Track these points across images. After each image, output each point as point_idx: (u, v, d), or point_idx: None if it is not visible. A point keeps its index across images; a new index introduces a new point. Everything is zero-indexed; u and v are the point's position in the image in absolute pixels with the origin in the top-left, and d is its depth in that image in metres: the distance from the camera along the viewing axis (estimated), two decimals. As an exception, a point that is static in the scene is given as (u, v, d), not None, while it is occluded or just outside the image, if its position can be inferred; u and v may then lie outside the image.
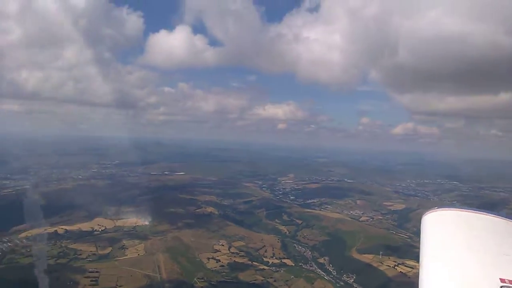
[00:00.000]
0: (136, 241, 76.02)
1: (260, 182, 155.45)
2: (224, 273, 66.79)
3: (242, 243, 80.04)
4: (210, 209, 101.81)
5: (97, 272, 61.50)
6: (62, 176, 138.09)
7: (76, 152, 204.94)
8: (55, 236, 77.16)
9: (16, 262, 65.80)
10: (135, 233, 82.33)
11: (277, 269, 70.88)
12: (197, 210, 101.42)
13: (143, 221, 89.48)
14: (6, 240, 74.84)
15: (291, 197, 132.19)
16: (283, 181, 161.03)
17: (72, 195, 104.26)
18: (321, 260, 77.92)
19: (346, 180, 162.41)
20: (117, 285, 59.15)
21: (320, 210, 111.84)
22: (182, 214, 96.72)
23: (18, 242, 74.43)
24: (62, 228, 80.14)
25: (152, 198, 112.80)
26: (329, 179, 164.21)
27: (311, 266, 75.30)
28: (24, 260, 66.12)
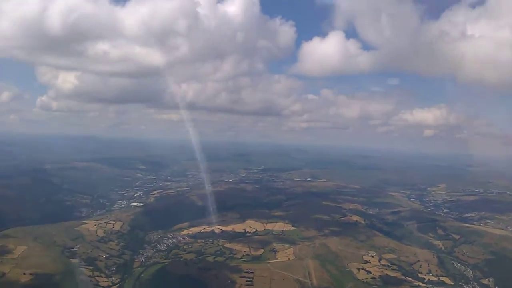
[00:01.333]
0: (286, 245, 77.72)
1: (407, 192, 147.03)
2: (376, 286, 64.21)
3: (393, 255, 76.07)
4: (355, 218, 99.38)
5: (251, 272, 64.31)
6: (215, 180, 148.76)
7: (225, 158, 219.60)
8: (212, 235, 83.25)
9: (180, 257, 72.59)
10: (284, 237, 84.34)
11: (435, 288, 65.91)
12: (342, 218, 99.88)
13: (291, 226, 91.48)
14: (170, 237, 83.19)
15: (445, 210, 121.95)
16: (433, 192, 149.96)
17: (225, 197, 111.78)
18: (484, 281, 69.95)
19: (508, 192, 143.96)
20: (270, 287, 61.15)
21: (480, 225, 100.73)
22: (328, 221, 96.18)
23: (181, 238, 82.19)
24: (218, 228, 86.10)
25: (297, 203, 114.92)
26: (488, 191, 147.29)
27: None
28: (187, 255, 72.63)
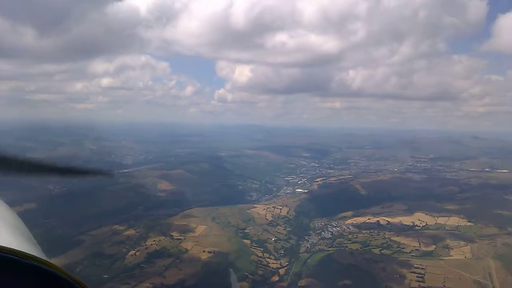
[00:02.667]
0: (461, 243, 70.61)
1: None
2: None
3: None
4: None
5: (422, 268, 60.25)
6: (379, 168, 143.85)
7: (389, 146, 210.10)
8: (377, 226, 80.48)
9: (345, 246, 72.20)
10: (458, 234, 76.79)
11: None
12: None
13: (466, 222, 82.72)
14: (334, 225, 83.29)
15: None
16: None
17: (390, 187, 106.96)
18: None
19: None
20: (444, 286, 56.41)
21: None
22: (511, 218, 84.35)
23: (345, 227, 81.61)
24: (384, 220, 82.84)
25: (473, 196, 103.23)
26: None
27: None
28: (352, 245, 71.86)
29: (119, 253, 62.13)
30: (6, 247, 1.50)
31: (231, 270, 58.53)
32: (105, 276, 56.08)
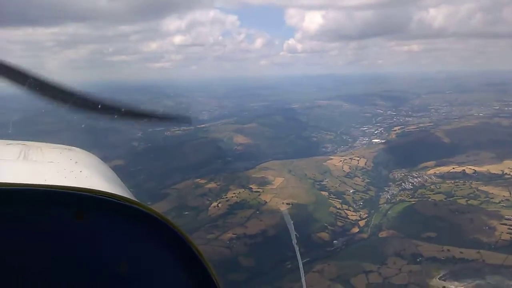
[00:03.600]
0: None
1: None
2: None
3: None
4: None
5: (514, 220, 57.03)
6: (462, 114, 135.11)
7: (473, 89, 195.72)
8: (462, 176, 76.45)
9: (427, 197, 69.76)
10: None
11: None
12: None
13: None
14: (416, 175, 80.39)
15: None
16: None
17: (475, 134, 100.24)
18: None
19: None
20: (539, 238, 53.09)
21: None
22: None
23: (427, 178, 78.55)
24: (470, 168, 78.37)
25: None
26: None
27: None
28: (435, 196, 69.21)
29: (202, 205, 65.26)
30: (108, 192, 1.64)
31: (284, 210, 59.39)
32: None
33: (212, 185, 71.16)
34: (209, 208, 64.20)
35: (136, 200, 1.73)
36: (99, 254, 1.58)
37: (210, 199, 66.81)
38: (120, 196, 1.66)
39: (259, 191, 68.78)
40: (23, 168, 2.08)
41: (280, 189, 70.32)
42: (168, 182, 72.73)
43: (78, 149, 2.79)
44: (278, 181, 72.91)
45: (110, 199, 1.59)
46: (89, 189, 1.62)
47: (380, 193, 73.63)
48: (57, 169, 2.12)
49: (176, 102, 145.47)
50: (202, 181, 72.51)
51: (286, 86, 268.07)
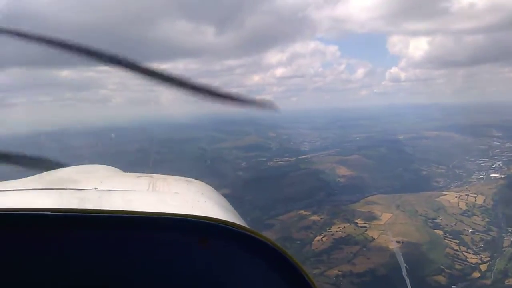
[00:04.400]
0: None
1: None
2: None
3: None
4: None
5: None
6: None
7: None
8: None
9: None
10: None
11: None
12: None
13: None
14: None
15: None
16: None
17: None
18: None
19: None
20: None
21: None
22: None
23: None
24: None
25: None
26: None
27: None
28: None
29: (307, 238, 64.12)
30: (229, 221, 1.75)
31: (395, 248, 55.38)
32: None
33: (315, 217, 69.86)
34: (313, 242, 62.84)
35: (252, 229, 1.82)
36: (220, 279, 1.70)
37: (313, 232, 65.50)
38: (239, 225, 1.78)
39: (365, 227, 65.89)
40: (153, 198, 2.18)
41: (388, 225, 66.66)
42: (272, 212, 73.02)
43: (197, 181, 2.91)
44: (386, 216, 69.28)
45: (232, 228, 1.71)
46: (213, 217, 1.73)
47: (503, 235, 66.11)
48: (183, 199, 2.21)
49: (278, 133, 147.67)
50: (306, 213, 71.58)
51: (389, 116, 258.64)
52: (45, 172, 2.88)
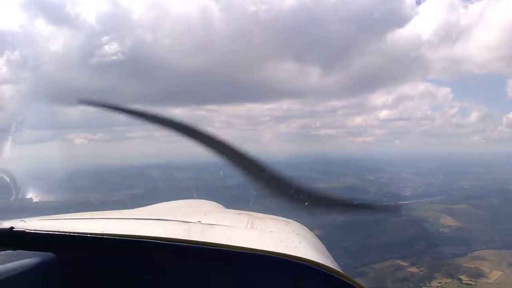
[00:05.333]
0: None
1: None
2: None
3: None
4: None
5: None
6: None
7: None
8: None
9: None
10: None
11: None
12: None
13: None
14: None
15: None
16: None
17: None
18: None
19: None
20: None
21: None
22: None
23: None
24: None
25: None
26: None
27: None
28: None
29: (403, 291, 60.04)
30: (322, 264, 1.79)
31: None
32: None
33: (414, 269, 65.27)
34: (411, 296, 58.61)
35: (346, 274, 1.85)
36: None
37: (411, 285, 61.12)
38: (333, 269, 1.82)
39: (470, 284, 59.98)
40: (251, 235, 2.29)
41: (497, 284, 59.88)
42: (365, 259, 69.73)
43: (293, 222, 2.98)
44: (495, 274, 62.43)
45: (326, 271, 1.74)
46: (307, 259, 1.76)
47: None
48: (278, 238, 2.28)
49: (377, 176, 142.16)
50: (403, 264, 67.24)
51: (504, 165, 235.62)
52: (157, 204, 3.29)
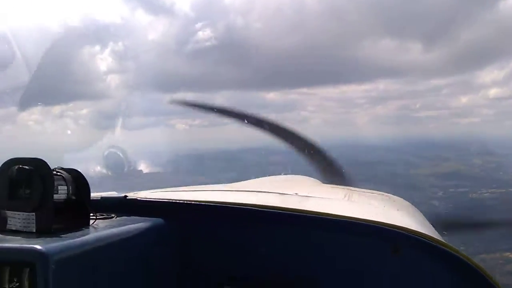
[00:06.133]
0: None
1: None
2: None
3: None
4: None
5: None
6: None
7: None
8: None
9: None
10: None
11: None
12: None
13: None
14: None
15: None
16: None
17: None
18: None
19: None
20: None
21: None
22: None
23: None
24: None
25: None
26: None
27: None
28: None
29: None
30: (421, 232, 1.76)
31: None
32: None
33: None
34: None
35: (448, 243, 1.82)
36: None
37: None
38: (434, 238, 1.79)
39: None
40: (347, 206, 2.29)
41: None
42: (470, 249, 65.11)
43: (395, 197, 2.91)
44: None
45: (425, 239, 1.72)
46: (407, 228, 1.75)
47: None
48: (377, 209, 2.27)
49: (485, 161, 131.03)
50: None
51: None
52: (256, 179, 3.43)
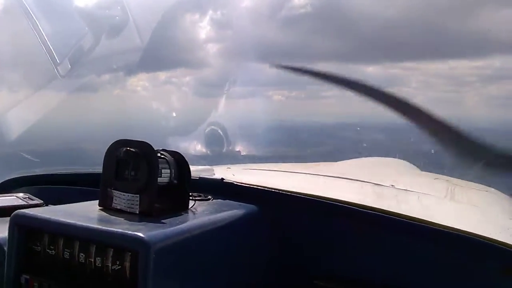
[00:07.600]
0: None
1: None
2: None
3: None
4: None
5: None
6: None
7: None
8: None
9: None
10: None
11: None
12: None
13: None
14: None
15: None
16: None
17: None
18: None
19: None
20: None
21: None
22: None
23: None
24: None
25: None
26: None
27: None
28: None
29: None
30: None
31: None
32: None
33: None
34: None
35: None
36: None
37: None
38: None
39: None
40: (451, 208, 2.04)
41: None
42: None
43: (495, 191, 2.55)
44: None
45: None
46: None
47: None
48: (483, 216, 2.02)
49: None
50: None
51: None
52: (348, 160, 3.26)
